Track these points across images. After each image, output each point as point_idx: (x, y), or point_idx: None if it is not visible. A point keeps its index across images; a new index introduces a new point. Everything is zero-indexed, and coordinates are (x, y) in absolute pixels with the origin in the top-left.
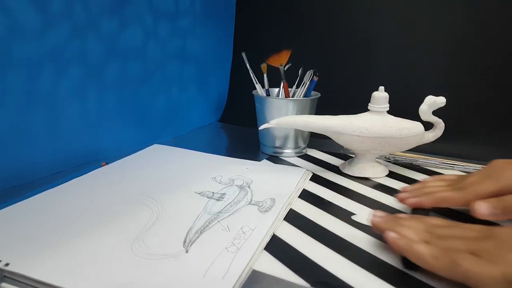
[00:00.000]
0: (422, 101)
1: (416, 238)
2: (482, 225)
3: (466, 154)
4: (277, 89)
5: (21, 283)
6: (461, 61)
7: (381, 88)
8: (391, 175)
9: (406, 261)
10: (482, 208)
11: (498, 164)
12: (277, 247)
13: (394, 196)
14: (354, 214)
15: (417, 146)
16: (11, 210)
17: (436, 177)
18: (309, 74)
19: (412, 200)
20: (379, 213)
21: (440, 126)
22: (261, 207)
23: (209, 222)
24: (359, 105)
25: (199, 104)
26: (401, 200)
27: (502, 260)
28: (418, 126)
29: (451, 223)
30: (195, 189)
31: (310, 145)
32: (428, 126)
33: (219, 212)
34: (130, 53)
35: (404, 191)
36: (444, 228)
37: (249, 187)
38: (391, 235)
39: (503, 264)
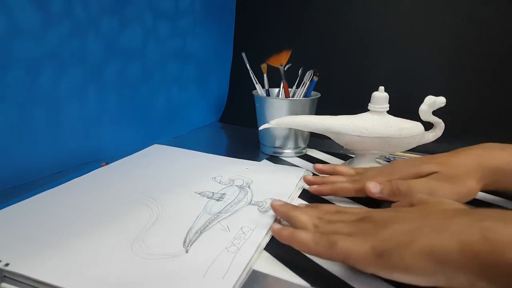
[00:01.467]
0: (422, 101)
1: (308, 223)
2: (366, 208)
3: None
4: (277, 89)
5: (21, 283)
6: (461, 61)
7: (381, 88)
8: None
9: None
10: (371, 187)
11: (396, 163)
12: (277, 247)
13: (303, 177)
14: None
15: (417, 146)
16: (11, 210)
17: (343, 168)
18: (309, 74)
19: (313, 188)
20: (279, 201)
21: (440, 126)
22: (261, 207)
23: (209, 222)
24: (359, 105)
25: (199, 104)
26: (307, 182)
27: (372, 236)
28: (418, 126)
29: (341, 209)
30: (195, 189)
31: (310, 145)
32: (428, 126)
33: (219, 212)
34: (130, 53)
35: (315, 168)
36: (332, 214)
37: (249, 187)
38: (275, 226)
39: (372, 239)
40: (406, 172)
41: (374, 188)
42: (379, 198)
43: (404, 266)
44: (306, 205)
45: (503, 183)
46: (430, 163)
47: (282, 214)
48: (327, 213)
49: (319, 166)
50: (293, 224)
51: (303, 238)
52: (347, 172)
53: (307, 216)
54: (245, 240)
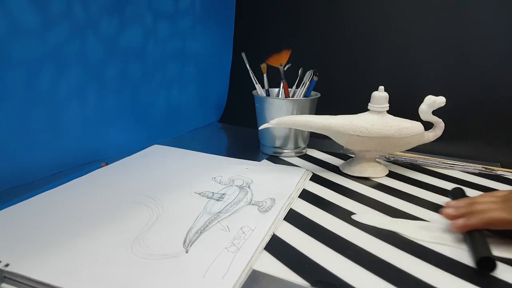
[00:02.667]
0: (422, 101)
1: (492, 206)
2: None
3: (466, 154)
4: (277, 89)
5: (21, 283)
6: (461, 61)
7: (381, 88)
8: (391, 175)
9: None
10: None
11: None
12: (277, 247)
13: (439, 212)
14: (354, 213)
15: (417, 146)
16: (11, 211)
17: (487, 193)
18: (309, 74)
19: (459, 223)
20: (452, 203)
21: (440, 126)
22: (261, 207)
23: (209, 222)
24: (359, 105)
25: (199, 104)
26: (447, 217)
27: None
28: (418, 126)
29: (490, 193)
30: (195, 189)
31: (310, 145)
32: (428, 126)
33: (219, 212)
34: (130, 53)
35: (448, 206)
36: (494, 196)
37: (249, 187)
38: (459, 222)
39: None
40: None
41: None
42: None
43: None
44: (473, 197)
45: None
46: None
47: (463, 212)
48: (491, 196)
49: (450, 210)
50: (479, 213)
51: (498, 215)
52: (496, 195)
53: (485, 205)
54: (245, 240)
